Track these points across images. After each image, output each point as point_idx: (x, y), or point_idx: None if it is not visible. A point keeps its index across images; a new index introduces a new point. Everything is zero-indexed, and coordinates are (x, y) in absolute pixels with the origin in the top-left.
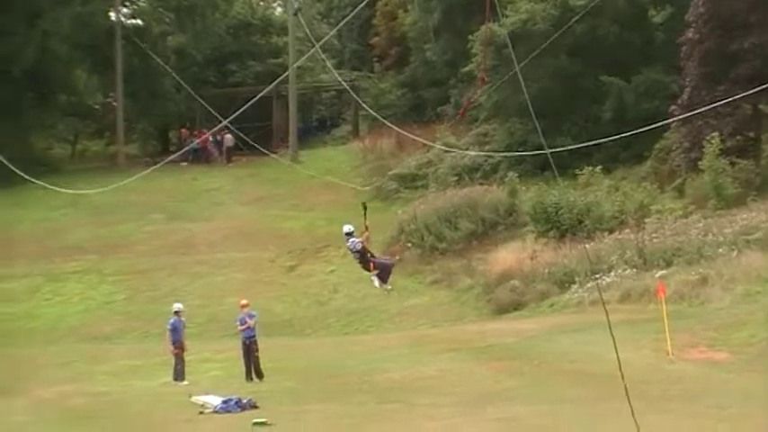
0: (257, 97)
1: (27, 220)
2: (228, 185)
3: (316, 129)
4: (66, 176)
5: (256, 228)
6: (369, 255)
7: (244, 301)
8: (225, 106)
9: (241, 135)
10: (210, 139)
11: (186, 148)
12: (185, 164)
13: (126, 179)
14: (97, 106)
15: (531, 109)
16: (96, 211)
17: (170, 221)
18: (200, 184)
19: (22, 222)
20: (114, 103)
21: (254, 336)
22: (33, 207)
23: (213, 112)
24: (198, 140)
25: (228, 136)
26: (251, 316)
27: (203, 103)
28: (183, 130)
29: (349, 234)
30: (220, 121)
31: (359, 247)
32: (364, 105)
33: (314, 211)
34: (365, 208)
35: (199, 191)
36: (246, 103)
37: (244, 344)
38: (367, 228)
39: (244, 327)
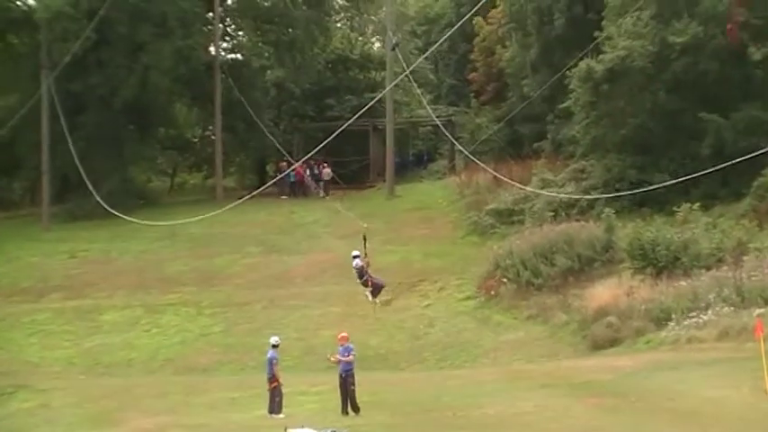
0: (348, 123)
1: (127, 252)
2: (325, 219)
3: (413, 163)
4: (165, 209)
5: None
6: (367, 275)
7: (343, 334)
8: (322, 140)
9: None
10: (308, 172)
11: (278, 177)
12: (285, 197)
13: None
14: (195, 139)
15: None
16: (194, 243)
17: (267, 254)
18: (297, 217)
19: (122, 254)
20: (213, 137)
21: (350, 369)
22: (133, 239)
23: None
24: (295, 173)
25: (327, 170)
26: (348, 350)
27: (274, 143)
28: (282, 164)
29: (356, 257)
30: (317, 155)
31: (359, 265)
32: (457, 144)
33: (409, 245)
34: (365, 239)
35: (296, 224)
36: (343, 136)
37: (340, 377)
38: (366, 254)
39: (345, 359)
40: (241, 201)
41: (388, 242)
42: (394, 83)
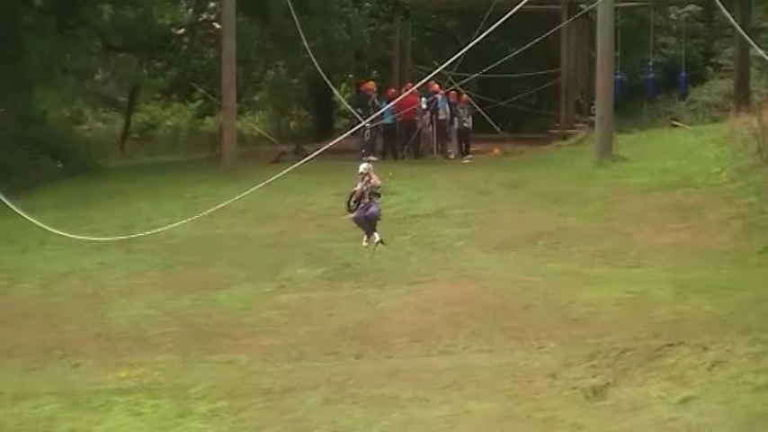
0: None
1: (31, 273)
2: (460, 206)
3: (652, 86)
4: (111, 180)
5: (519, 300)
6: (362, 203)
7: None
8: (456, 38)
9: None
10: (423, 103)
11: (365, 122)
12: (373, 159)
13: (237, 192)
14: (180, 31)
15: None
16: (173, 255)
17: (332, 283)
18: (398, 203)
19: (21, 277)
20: (215, 25)
21: None
22: (45, 245)
23: None
24: (398, 105)
25: (463, 98)
26: None
27: None
28: (367, 86)
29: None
30: (448, 71)
31: (358, 188)
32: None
33: (645, 266)
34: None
35: (394, 218)
36: (505, 27)
37: None
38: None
39: None
40: (285, 171)
41: (601, 257)
42: None
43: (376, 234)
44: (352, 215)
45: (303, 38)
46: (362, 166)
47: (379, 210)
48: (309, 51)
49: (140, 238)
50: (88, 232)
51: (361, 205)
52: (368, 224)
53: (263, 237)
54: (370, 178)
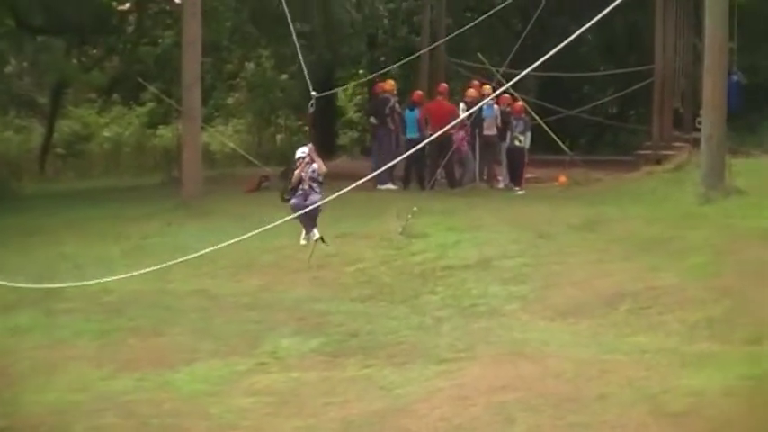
0: None
1: None
2: (513, 255)
3: None
4: (25, 210)
5: (593, 387)
6: (292, 189)
7: None
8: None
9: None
10: (460, 110)
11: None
12: (389, 186)
13: (201, 231)
14: (126, 6)
15: None
16: (110, 318)
17: (331, 360)
18: (429, 247)
19: None
20: None
21: None
22: None
23: None
24: (425, 112)
25: (517, 105)
26: None
27: None
28: (384, 85)
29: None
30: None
31: (296, 174)
32: None
33: None
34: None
35: (419, 272)
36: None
37: None
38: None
39: None
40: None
41: (706, 328)
42: None
43: (316, 231)
44: (290, 203)
45: (293, 18)
46: (301, 150)
47: (322, 200)
48: (303, 37)
49: (65, 294)
50: None
51: (300, 193)
52: (307, 215)
53: (235, 294)
54: (312, 161)
